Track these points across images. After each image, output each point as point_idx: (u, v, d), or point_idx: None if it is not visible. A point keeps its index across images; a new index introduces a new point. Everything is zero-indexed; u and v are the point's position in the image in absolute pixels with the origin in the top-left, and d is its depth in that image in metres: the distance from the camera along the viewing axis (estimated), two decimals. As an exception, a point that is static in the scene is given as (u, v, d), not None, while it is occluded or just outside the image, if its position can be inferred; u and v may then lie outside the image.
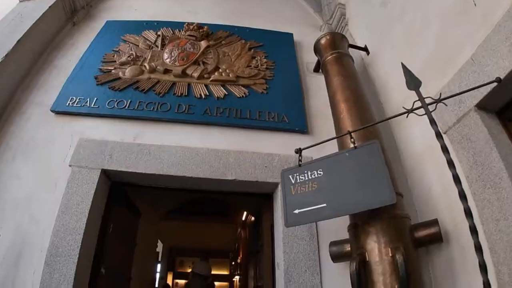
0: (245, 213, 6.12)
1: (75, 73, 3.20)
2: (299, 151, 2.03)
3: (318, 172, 1.88)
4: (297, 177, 1.94)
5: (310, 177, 1.89)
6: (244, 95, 3.13)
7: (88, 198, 2.45)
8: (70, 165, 2.57)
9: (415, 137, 2.33)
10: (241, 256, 6.96)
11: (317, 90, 3.29)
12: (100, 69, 3.26)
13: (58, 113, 2.89)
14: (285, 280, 2.15)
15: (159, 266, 13.44)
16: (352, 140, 1.89)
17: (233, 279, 10.51)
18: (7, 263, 2.24)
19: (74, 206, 2.40)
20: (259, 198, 2.85)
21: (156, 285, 11.70)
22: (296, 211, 1.84)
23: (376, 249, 1.78)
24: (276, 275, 2.36)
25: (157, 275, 12.63)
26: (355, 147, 1.88)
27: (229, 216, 12.85)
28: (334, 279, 2.27)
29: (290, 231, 2.33)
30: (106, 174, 2.64)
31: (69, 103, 2.93)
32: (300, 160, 2.00)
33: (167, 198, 4.27)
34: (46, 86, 3.11)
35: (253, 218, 5.37)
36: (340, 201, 1.75)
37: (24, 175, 2.57)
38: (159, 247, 13.60)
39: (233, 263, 11.48)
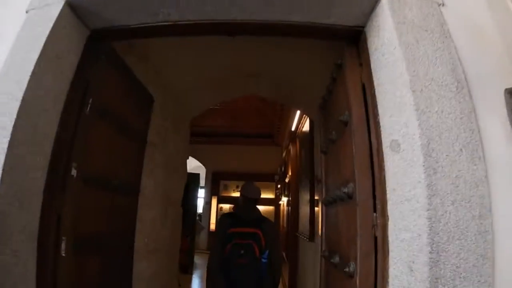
0: (295, 120, 4.93)
1: None
2: None
3: None
4: None
5: None
6: None
7: (37, 44, 1.36)
8: (27, 11, 1.52)
9: None
10: (290, 174, 5.98)
11: None
12: None
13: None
14: (425, 170, 0.95)
15: (202, 191, 13.13)
16: None
17: (279, 202, 9.77)
18: None
19: (18, 62, 1.35)
20: (338, 42, 1.59)
21: (200, 211, 11.41)
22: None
23: None
24: (387, 166, 1.16)
25: (201, 200, 12.39)
26: None
27: (274, 137, 11.91)
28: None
29: (421, 70, 1.08)
30: (74, 10, 1.51)
31: None
32: None
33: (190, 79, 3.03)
34: None
35: (305, 127, 4.20)
36: None
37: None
38: (202, 171, 13.17)
39: (278, 186, 10.71)
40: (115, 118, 1.93)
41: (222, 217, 2.97)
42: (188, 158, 3.34)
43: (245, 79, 3.09)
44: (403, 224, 1.01)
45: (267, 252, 2.80)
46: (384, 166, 1.17)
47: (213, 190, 12.74)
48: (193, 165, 12.88)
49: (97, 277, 1.81)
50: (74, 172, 1.54)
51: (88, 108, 1.64)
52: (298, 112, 4.79)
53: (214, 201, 12.70)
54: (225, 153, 13.10)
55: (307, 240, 3.63)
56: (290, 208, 6.08)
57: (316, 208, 3.04)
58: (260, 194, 3.04)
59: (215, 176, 12.92)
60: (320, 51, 2.01)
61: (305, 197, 4.16)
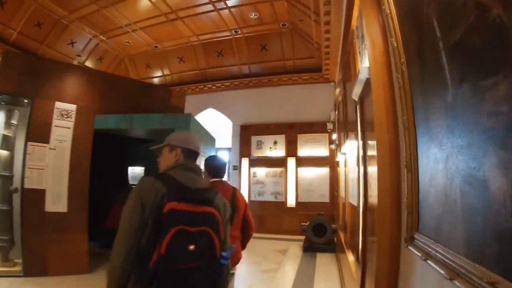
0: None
1: None
2: None
3: None
4: None
5: None
6: None
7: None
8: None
9: None
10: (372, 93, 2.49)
11: None
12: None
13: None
14: None
15: (227, 153, 9.98)
16: None
17: (336, 160, 6.29)
18: None
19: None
20: None
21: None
22: None
23: None
24: None
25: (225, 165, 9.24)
26: None
27: (322, 70, 8.28)
28: None
29: None
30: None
31: None
32: None
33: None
34: None
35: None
36: None
37: None
38: (229, 123, 9.90)
39: (333, 137, 7.20)
40: None
41: (149, 180, 1.55)
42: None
43: None
44: None
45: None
46: None
47: (243, 150, 9.49)
48: (215, 121, 9.67)
49: None
50: None
51: None
52: None
53: (244, 164, 9.47)
54: (255, 100, 9.63)
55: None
56: (367, 170, 2.69)
57: None
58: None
59: (244, 131, 9.60)
60: None
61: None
